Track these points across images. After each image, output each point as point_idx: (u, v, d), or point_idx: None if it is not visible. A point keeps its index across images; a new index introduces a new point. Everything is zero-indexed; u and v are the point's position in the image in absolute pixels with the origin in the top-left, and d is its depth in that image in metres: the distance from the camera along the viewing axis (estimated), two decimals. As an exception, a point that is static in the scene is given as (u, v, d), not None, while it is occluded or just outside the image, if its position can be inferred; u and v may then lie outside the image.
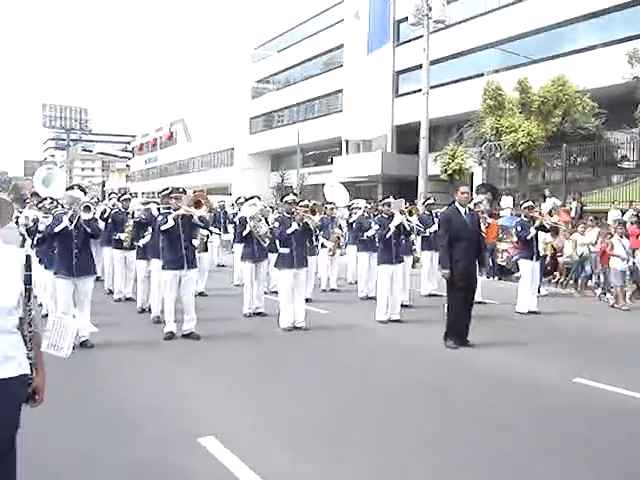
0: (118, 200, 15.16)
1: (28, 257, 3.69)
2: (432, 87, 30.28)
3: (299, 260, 11.40)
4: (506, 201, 25.29)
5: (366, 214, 15.88)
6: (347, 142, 49.82)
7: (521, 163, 27.81)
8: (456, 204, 10.42)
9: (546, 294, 15.67)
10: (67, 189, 10.53)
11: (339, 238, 17.18)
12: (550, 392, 7.74)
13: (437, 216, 13.89)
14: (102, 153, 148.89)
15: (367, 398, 7.44)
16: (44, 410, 3.73)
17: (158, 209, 12.16)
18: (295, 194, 12.95)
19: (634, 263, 14.95)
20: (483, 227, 13.62)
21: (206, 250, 15.27)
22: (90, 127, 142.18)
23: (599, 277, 16.00)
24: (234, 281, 16.55)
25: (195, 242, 12.01)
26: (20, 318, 3.54)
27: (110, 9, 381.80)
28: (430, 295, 15.45)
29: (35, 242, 11.61)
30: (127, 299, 14.31)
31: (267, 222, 12.69)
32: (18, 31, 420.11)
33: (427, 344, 10.31)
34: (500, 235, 20.16)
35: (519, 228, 14.01)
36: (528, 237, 13.66)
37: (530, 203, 14.52)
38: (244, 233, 12.77)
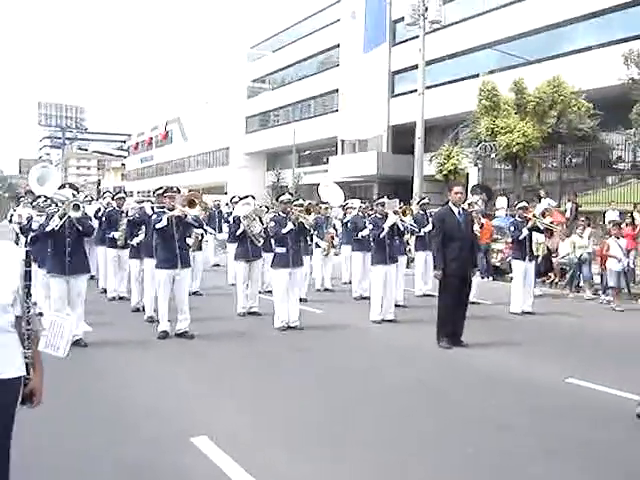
0: (112, 199, 15.13)
1: (28, 252, 3.64)
2: (428, 87, 30.32)
3: (295, 259, 11.40)
4: (501, 202, 25.31)
5: (361, 214, 15.89)
6: (343, 142, 49.90)
7: (516, 164, 27.85)
8: (450, 204, 10.42)
9: (540, 295, 15.67)
10: (59, 188, 10.49)
11: (333, 238, 17.17)
12: (549, 392, 7.75)
13: (431, 216, 13.88)
14: (98, 152, 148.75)
15: (363, 398, 7.44)
16: (42, 409, 3.72)
17: (152, 208, 12.14)
18: (291, 194, 12.94)
19: (628, 264, 14.96)
20: (477, 227, 13.64)
21: (200, 249, 15.26)
22: (86, 126, 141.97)
23: (592, 278, 16.03)
24: (228, 280, 16.53)
25: (189, 241, 12.02)
26: (17, 316, 3.49)
27: (106, 8, 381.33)
28: (424, 295, 15.44)
29: (29, 241, 11.58)
30: (121, 298, 14.28)
31: (261, 221, 12.68)
32: (14, 30, 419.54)
33: (422, 344, 10.30)
34: (495, 236, 20.17)
35: (512, 228, 14.02)
36: (520, 237, 13.66)
37: (524, 204, 14.53)
38: (238, 232, 12.77)
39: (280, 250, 11.39)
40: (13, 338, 3.48)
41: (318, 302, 14.40)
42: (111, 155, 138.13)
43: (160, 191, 11.81)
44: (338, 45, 50.37)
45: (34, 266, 11.61)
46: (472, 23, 38.39)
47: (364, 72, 46.18)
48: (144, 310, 12.30)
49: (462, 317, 10.21)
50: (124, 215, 13.58)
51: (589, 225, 17.20)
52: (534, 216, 14.00)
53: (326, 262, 16.67)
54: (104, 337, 10.28)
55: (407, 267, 15.34)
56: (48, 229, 9.48)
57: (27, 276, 3.53)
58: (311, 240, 14.33)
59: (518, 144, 26.24)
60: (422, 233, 15.00)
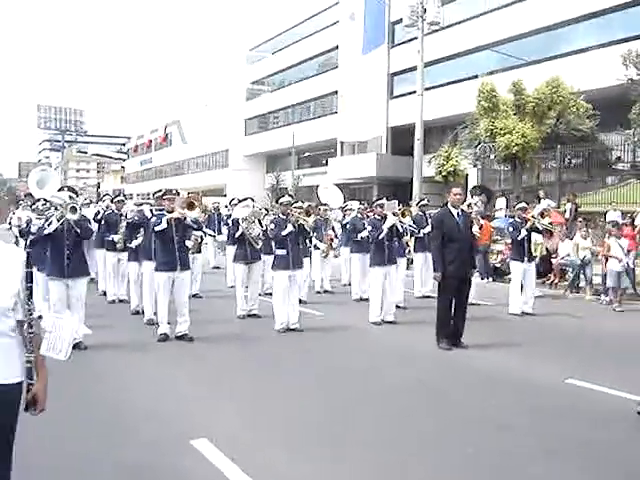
0: (111, 201, 15.12)
1: (29, 254, 3.61)
2: (427, 89, 30.35)
3: (295, 261, 11.40)
4: (500, 202, 25.33)
5: (359, 215, 15.89)
6: (342, 144, 49.92)
7: (515, 165, 27.87)
8: (448, 205, 10.42)
9: (540, 295, 15.66)
10: (58, 190, 10.50)
11: (332, 240, 17.17)
12: (549, 392, 7.75)
13: (431, 217, 13.87)
14: (97, 154, 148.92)
15: (363, 398, 7.45)
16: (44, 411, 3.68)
17: (151, 211, 12.14)
18: (291, 195, 12.93)
19: (627, 264, 14.95)
20: (477, 229, 13.63)
21: (199, 252, 15.26)
22: (85, 128, 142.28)
23: (592, 279, 16.04)
24: (228, 283, 16.52)
25: (189, 244, 12.02)
26: (19, 320, 3.44)
27: (106, 11, 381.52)
28: (423, 297, 15.44)
29: (28, 244, 11.57)
30: (121, 301, 14.28)
31: (260, 224, 12.68)
32: (13, 32, 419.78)
33: (422, 345, 10.30)
34: (494, 237, 20.18)
35: (511, 229, 14.01)
36: (519, 238, 13.65)
37: (524, 204, 14.52)
38: (237, 235, 12.77)
39: (280, 252, 11.39)
40: (14, 343, 3.43)
41: (318, 304, 14.39)
42: (110, 158, 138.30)
43: (159, 194, 11.82)
44: (337, 47, 50.41)
45: (33, 269, 11.66)
46: (471, 24, 38.42)
47: (363, 74, 46.21)
48: (144, 313, 12.30)
49: (462, 318, 10.21)
50: (123, 218, 13.57)
51: (586, 226, 17.21)
52: (533, 217, 14.00)
53: (325, 264, 16.68)
54: (104, 340, 10.27)
55: (407, 269, 15.34)
56: (46, 232, 9.49)
57: (28, 278, 3.48)
58: (310, 242, 14.32)
59: (517, 145, 26.26)
60: (421, 234, 14.98)
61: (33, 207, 12.62)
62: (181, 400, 7.30)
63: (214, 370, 8.88)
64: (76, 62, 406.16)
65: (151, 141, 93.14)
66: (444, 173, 30.81)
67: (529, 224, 13.68)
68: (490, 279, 19.06)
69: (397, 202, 13.10)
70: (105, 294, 14.77)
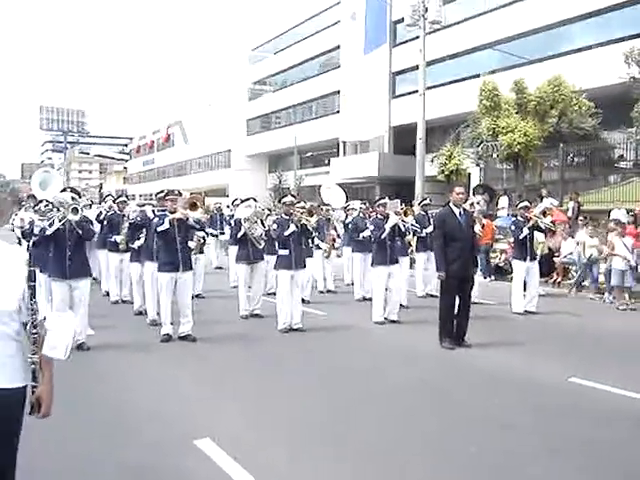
0: (114, 202, 15.13)
1: (31, 255, 3.59)
2: (429, 88, 30.29)
3: (297, 261, 11.40)
4: (503, 201, 25.31)
5: (361, 215, 15.89)
6: (344, 143, 49.86)
7: (518, 163, 27.81)
8: (450, 205, 10.42)
9: (543, 294, 15.64)
10: (60, 192, 10.53)
11: (334, 240, 17.17)
12: (552, 391, 7.76)
13: (433, 217, 13.86)
14: (99, 155, 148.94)
15: (366, 398, 7.46)
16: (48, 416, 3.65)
17: (153, 211, 12.15)
18: (293, 195, 12.93)
19: (630, 262, 14.91)
20: (479, 228, 13.62)
21: (202, 252, 15.28)
22: (87, 129, 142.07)
23: (597, 278, 16.02)
24: (230, 283, 16.53)
25: (191, 244, 12.03)
26: (23, 323, 3.42)
27: (107, 12, 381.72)
28: (426, 296, 15.44)
29: (31, 245, 11.58)
30: (124, 301, 14.30)
31: (262, 224, 12.69)
32: (15, 34, 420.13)
33: (425, 344, 10.29)
34: (497, 235, 20.15)
35: (513, 228, 13.99)
36: (520, 237, 13.63)
37: (526, 203, 14.48)
38: (239, 235, 12.77)
39: (283, 252, 11.39)
40: (19, 346, 3.42)
41: (320, 304, 14.40)
42: (113, 159, 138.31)
43: (162, 194, 11.83)
44: (339, 47, 50.35)
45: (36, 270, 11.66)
46: (472, 23, 38.36)
47: (365, 73, 46.18)
48: (147, 313, 12.31)
49: (466, 317, 10.21)
50: (125, 219, 13.58)
51: (587, 225, 17.19)
52: (535, 216, 13.98)
53: (327, 264, 16.68)
54: (107, 340, 10.30)
55: (410, 268, 15.34)
56: (48, 232, 9.51)
57: (31, 276, 3.43)
58: (312, 242, 14.33)
59: (519, 144, 26.20)
60: (424, 234, 14.97)
61: (36, 208, 12.63)
62: (184, 400, 7.31)
63: (217, 370, 8.89)
64: (78, 63, 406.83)
65: (153, 142, 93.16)
66: (446, 172, 30.73)
67: (531, 223, 13.66)
68: (491, 278, 19.04)
69: (399, 201, 13.11)
70: (108, 294, 14.80)
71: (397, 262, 12.41)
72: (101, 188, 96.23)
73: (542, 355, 9.80)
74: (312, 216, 12.10)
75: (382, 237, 12.02)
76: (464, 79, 37.34)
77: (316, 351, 10.15)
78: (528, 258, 13.67)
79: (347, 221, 16.59)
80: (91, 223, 10.72)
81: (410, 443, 6.02)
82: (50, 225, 9.56)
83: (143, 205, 13.53)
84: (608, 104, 26.18)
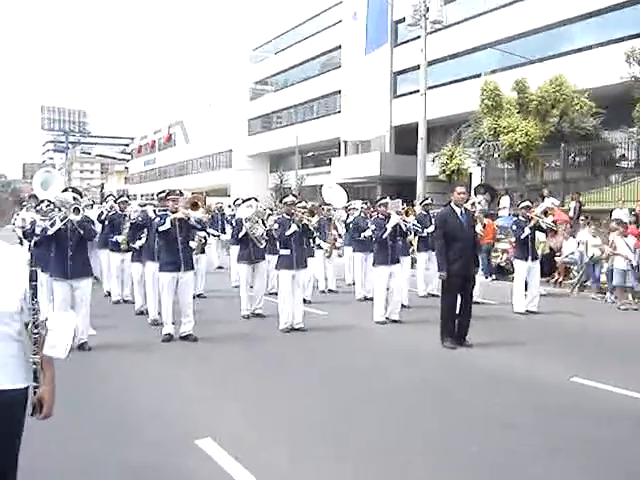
0: (115, 202, 15.13)
1: (33, 254, 3.56)
2: (430, 88, 30.29)
3: (299, 261, 11.40)
4: (504, 201, 25.30)
5: (362, 215, 15.90)
6: (345, 143, 49.86)
7: (519, 163, 27.81)
8: (452, 204, 10.41)
9: (544, 294, 15.63)
10: (62, 191, 10.54)
11: (335, 240, 17.16)
12: (553, 391, 7.76)
13: (434, 217, 13.85)
14: (101, 155, 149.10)
15: (368, 397, 7.46)
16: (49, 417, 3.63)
17: (154, 211, 12.16)
18: (295, 195, 12.93)
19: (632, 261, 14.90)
20: (480, 227, 13.61)
21: (203, 252, 15.29)
22: (89, 129, 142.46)
23: (599, 278, 16.00)
24: (232, 283, 16.54)
25: (192, 244, 12.03)
26: (24, 323, 3.39)
27: (109, 12, 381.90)
28: (428, 295, 15.43)
29: (32, 245, 11.58)
30: (125, 301, 14.30)
31: (263, 224, 12.69)
32: (17, 34, 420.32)
33: (427, 344, 10.29)
34: (498, 235, 20.14)
35: (514, 227, 13.98)
36: (522, 236, 13.62)
37: (528, 203, 14.46)
38: (240, 235, 12.77)
39: (284, 252, 11.39)
40: (21, 346, 3.39)
41: (322, 303, 14.41)
42: (114, 159, 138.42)
43: (163, 194, 11.83)
44: (340, 46, 50.32)
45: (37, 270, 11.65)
46: (473, 23, 38.35)
47: (366, 73, 46.15)
48: (148, 313, 12.31)
49: (467, 317, 10.21)
50: (127, 218, 13.58)
51: (588, 224, 17.18)
52: (536, 215, 13.96)
53: (328, 264, 16.68)
54: (108, 340, 10.31)
55: (411, 267, 15.34)
56: (50, 232, 9.52)
57: (33, 276, 3.41)
58: (314, 242, 14.33)
59: (521, 143, 26.19)
60: (425, 234, 14.96)
61: (37, 208, 12.63)
62: (185, 400, 7.31)
63: (218, 370, 8.89)
64: (79, 63, 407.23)
65: (155, 142, 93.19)
66: (448, 172, 30.72)
67: (532, 223, 13.64)
68: (492, 278, 19.02)
69: (401, 201, 13.11)
70: (110, 294, 14.80)
71: (398, 262, 12.42)
72: (102, 188, 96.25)
73: (544, 355, 9.79)
74: (313, 216, 12.10)
75: (384, 237, 12.02)
76: (465, 79, 37.33)
77: (317, 351, 10.15)
78: (530, 258, 13.66)
79: (348, 221, 16.60)
80: (92, 223, 10.73)
81: (411, 443, 6.02)
82: (52, 225, 9.57)
83: (144, 205, 13.53)
84: (609, 104, 26.19)
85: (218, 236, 21.06)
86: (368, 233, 13.22)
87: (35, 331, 3.40)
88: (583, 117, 26.67)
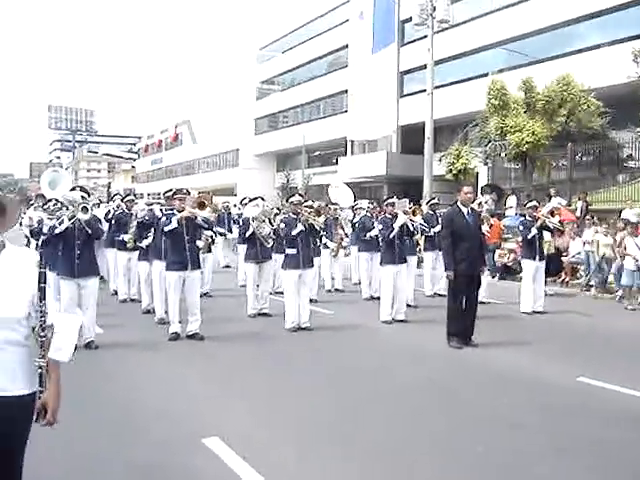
0: (122, 201, 15.16)
1: (42, 254, 3.46)
2: (437, 87, 30.27)
3: (305, 261, 11.41)
4: (511, 201, 25.25)
5: (369, 214, 15.90)
6: (352, 142, 49.84)
7: (526, 163, 27.76)
8: (458, 204, 10.40)
9: (551, 294, 15.61)
10: (70, 190, 10.57)
11: (342, 239, 17.17)
12: (560, 391, 7.75)
13: (441, 216, 13.85)
14: (108, 154, 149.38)
15: (374, 397, 7.46)
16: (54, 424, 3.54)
17: (161, 210, 12.18)
18: (301, 195, 12.93)
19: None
20: (487, 227, 13.59)
21: (210, 251, 15.31)
22: (96, 129, 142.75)
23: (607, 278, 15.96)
24: (239, 282, 16.55)
25: (199, 243, 12.04)
26: (32, 327, 3.29)
27: (116, 11, 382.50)
28: (434, 295, 15.42)
29: (40, 244, 11.61)
30: (132, 300, 14.33)
31: (270, 223, 12.70)
32: (24, 33, 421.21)
33: (433, 344, 10.29)
34: (505, 235, 20.10)
35: (521, 227, 13.96)
36: (529, 236, 13.60)
37: (534, 203, 14.44)
38: (247, 234, 12.78)
39: (290, 251, 11.40)
40: (28, 351, 3.32)
41: (328, 303, 14.41)
42: (121, 158, 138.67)
43: (170, 193, 11.84)
44: (347, 46, 50.33)
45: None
46: (480, 22, 38.29)
47: (373, 72, 46.13)
48: (154, 312, 12.33)
49: (472, 317, 10.20)
50: (134, 217, 13.60)
51: (594, 224, 17.14)
52: (543, 215, 13.93)
53: (335, 263, 16.68)
54: (115, 339, 10.33)
55: (417, 267, 15.34)
56: (57, 231, 9.56)
57: (41, 278, 3.29)
58: (320, 241, 14.34)
59: (528, 143, 26.14)
60: (432, 233, 14.96)
61: (44, 207, 12.67)
62: (192, 399, 7.32)
63: (225, 369, 8.90)
64: (87, 62, 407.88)
65: (161, 141, 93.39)
66: (454, 171, 30.66)
67: (539, 222, 13.62)
68: (498, 277, 18.99)
69: (408, 201, 13.10)
70: (116, 293, 14.83)
71: (406, 261, 12.43)
72: (109, 187, 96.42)
73: (550, 355, 9.78)
74: (319, 216, 12.10)
75: (391, 236, 12.02)
76: (472, 78, 37.26)
77: (324, 350, 10.15)
78: (537, 257, 13.64)
79: (354, 220, 16.60)
80: (100, 222, 10.75)
81: (418, 442, 6.02)
82: (60, 224, 9.59)
83: (151, 204, 13.56)
84: (616, 103, 26.11)
85: (224, 235, 21.06)
86: (374, 233, 13.23)
87: (42, 334, 3.29)
88: (590, 117, 26.59)
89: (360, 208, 16.82)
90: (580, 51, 32.22)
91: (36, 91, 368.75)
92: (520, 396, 7.52)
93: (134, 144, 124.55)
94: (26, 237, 14.74)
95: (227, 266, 21.76)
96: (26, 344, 3.31)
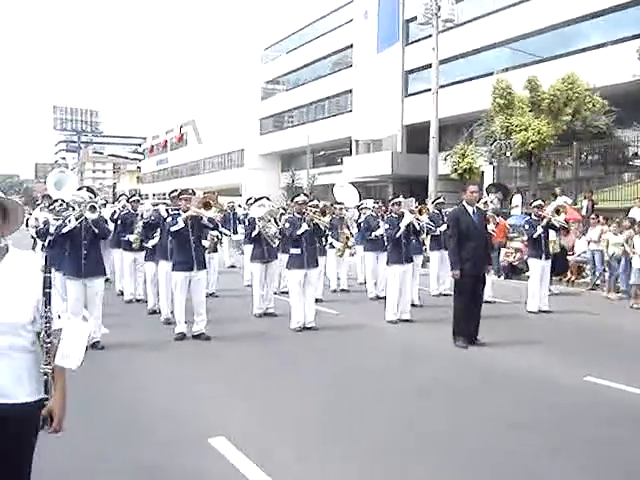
0: (127, 201, 15.18)
1: (47, 258, 3.40)
2: (442, 86, 30.26)
3: (310, 260, 11.40)
4: (517, 200, 25.23)
5: (374, 214, 15.89)
6: (357, 142, 49.81)
7: (531, 162, 27.74)
8: (464, 203, 10.39)
9: (557, 293, 15.59)
10: (77, 190, 10.60)
11: (348, 238, 17.16)
12: (567, 390, 7.74)
13: (446, 215, 13.84)
14: (113, 155, 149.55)
15: (380, 397, 7.45)
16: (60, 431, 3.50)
17: (167, 210, 12.19)
18: (306, 194, 12.93)
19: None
20: (492, 227, 13.57)
21: (216, 251, 15.31)
22: (101, 129, 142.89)
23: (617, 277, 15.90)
24: (244, 282, 16.56)
25: (205, 243, 12.05)
26: (37, 333, 3.24)
27: (121, 12, 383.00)
28: (440, 295, 15.40)
29: (46, 244, 11.62)
30: (138, 300, 14.34)
31: (276, 223, 12.71)
32: (29, 34, 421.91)
33: (438, 343, 10.28)
34: (510, 234, 20.08)
35: (527, 226, 13.94)
36: (534, 235, 13.58)
37: (540, 202, 14.42)
38: (253, 234, 12.80)
39: (295, 251, 11.40)
40: (34, 357, 3.27)
41: (334, 302, 14.40)
42: (126, 158, 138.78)
43: (175, 193, 11.86)
44: (351, 45, 50.33)
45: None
46: (485, 21, 38.23)
47: (378, 72, 46.10)
48: (161, 312, 12.34)
49: (477, 316, 10.18)
50: (139, 218, 13.62)
51: (599, 223, 17.10)
52: (547, 214, 13.90)
53: (340, 263, 16.68)
54: (121, 339, 10.34)
55: (423, 267, 15.32)
56: (65, 230, 9.57)
57: (47, 283, 3.21)
58: (326, 240, 14.33)
59: (533, 142, 26.13)
60: (437, 232, 14.95)
61: (50, 208, 12.70)
62: (198, 399, 7.32)
63: (231, 369, 8.90)
64: (91, 63, 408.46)
65: (167, 141, 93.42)
66: (460, 171, 30.65)
67: (545, 221, 13.60)
68: (503, 276, 18.96)
69: (414, 200, 13.09)
70: (122, 293, 14.85)
71: (412, 260, 12.42)
72: (115, 187, 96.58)
73: (557, 354, 9.76)
74: (324, 215, 12.10)
75: (397, 236, 12.01)
76: (477, 77, 37.22)
77: (329, 350, 10.14)
78: (544, 256, 13.62)
79: (360, 220, 16.59)
80: (106, 222, 10.77)
81: (424, 442, 6.00)
82: (67, 222, 9.60)
83: (157, 204, 13.57)
84: (622, 102, 26.07)
85: (230, 235, 21.07)
86: (379, 232, 13.23)
87: (47, 340, 3.23)
88: (595, 115, 26.56)
89: (365, 208, 16.82)
90: (585, 50, 32.16)
91: (41, 92, 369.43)
92: (526, 396, 7.51)
93: (139, 145, 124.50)
94: (32, 238, 14.77)
95: (232, 266, 21.78)
96: (32, 350, 3.26)
